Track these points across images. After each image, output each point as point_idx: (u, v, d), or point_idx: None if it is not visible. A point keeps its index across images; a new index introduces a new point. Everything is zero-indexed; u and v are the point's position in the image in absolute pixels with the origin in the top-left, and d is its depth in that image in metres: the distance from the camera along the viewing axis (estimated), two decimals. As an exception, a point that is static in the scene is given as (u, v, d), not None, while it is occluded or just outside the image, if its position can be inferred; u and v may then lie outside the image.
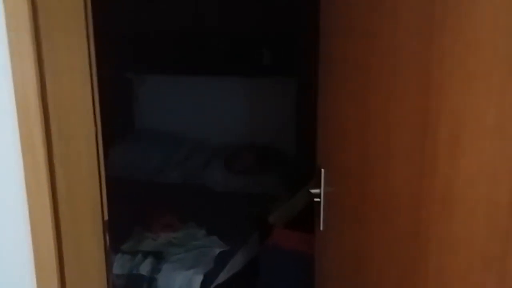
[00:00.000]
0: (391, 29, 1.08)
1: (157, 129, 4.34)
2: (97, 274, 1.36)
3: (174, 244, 2.94)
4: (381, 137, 1.15)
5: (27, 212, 1.25)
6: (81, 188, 1.31)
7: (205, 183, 3.86)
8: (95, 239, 1.36)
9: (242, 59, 3.99)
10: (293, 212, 2.82)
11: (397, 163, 1.09)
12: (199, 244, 2.94)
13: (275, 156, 3.95)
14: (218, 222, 3.16)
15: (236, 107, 4.13)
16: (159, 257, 2.81)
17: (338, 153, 1.44)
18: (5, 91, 1.22)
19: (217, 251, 2.88)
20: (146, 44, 4.15)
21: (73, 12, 1.25)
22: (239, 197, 3.58)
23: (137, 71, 4.33)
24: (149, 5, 4.07)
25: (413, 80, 1.01)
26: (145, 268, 2.75)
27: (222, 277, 2.82)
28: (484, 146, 0.86)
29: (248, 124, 4.08)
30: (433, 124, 0.95)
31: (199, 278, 2.67)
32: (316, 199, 1.54)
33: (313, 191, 1.54)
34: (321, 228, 1.55)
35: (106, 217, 1.38)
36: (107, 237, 1.38)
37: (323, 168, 1.51)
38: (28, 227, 1.25)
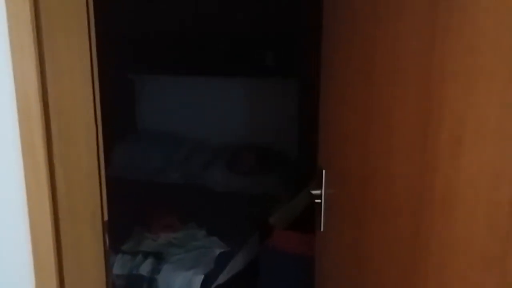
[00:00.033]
0: (394, 31, 1.08)
1: (159, 129, 4.34)
2: (96, 274, 1.36)
3: (174, 244, 2.94)
4: (382, 138, 1.15)
5: (26, 212, 1.24)
6: (81, 189, 1.31)
7: (206, 184, 3.86)
8: (94, 240, 1.35)
9: (243, 59, 4.00)
10: (293, 214, 2.82)
11: (398, 164, 1.09)
12: (199, 245, 2.94)
13: (276, 157, 3.96)
14: (219, 222, 3.16)
15: (238, 107, 4.13)
16: (159, 257, 2.80)
17: (339, 154, 1.44)
18: (6, 91, 1.22)
19: (217, 251, 2.87)
20: (148, 44, 4.16)
21: (75, 12, 1.25)
22: (240, 197, 3.59)
23: (139, 71, 4.34)
24: (151, 5, 4.08)
25: (415, 81, 1.01)
26: (145, 269, 2.75)
27: (222, 278, 2.82)
28: (485, 147, 0.85)
29: (249, 125, 4.09)
30: (434, 125, 0.95)
31: (199, 279, 2.67)
32: (317, 200, 1.54)
33: (314, 192, 1.54)
34: (322, 229, 1.55)
35: (106, 218, 1.37)
36: (107, 238, 1.38)
37: (324, 169, 1.51)
38: (28, 227, 1.25)
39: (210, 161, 4.01)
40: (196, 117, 4.25)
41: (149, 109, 4.46)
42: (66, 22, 1.24)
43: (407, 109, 1.04)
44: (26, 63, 1.17)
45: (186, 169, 4.03)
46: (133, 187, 3.72)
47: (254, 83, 4.02)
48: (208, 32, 4.06)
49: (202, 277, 2.67)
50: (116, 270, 2.76)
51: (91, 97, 1.29)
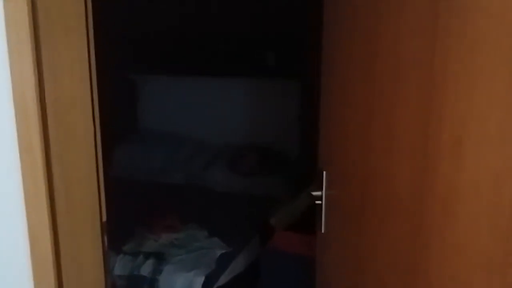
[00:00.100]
0: (395, 31, 1.07)
1: (160, 130, 4.34)
2: (95, 275, 1.35)
3: (175, 245, 2.94)
4: (383, 139, 1.15)
5: (24, 212, 1.24)
6: (79, 189, 1.31)
7: (207, 184, 3.86)
8: (93, 240, 1.35)
9: (244, 60, 3.99)
10: (294, 215, 2.82)
11: (399, 165, 1.09)
12: (201, 246, 2.93)
13: (277, 158, 3.95)
14: (220, 223, 3.15)
15: (239, 108, 4.12)
16: (160, 258, 2.80)
17: (339, 155, 1.44)
18: (3, 91, 1.21)
19: (219, 252, 2.87)
20: (149, 45, 4.16)
21: (73, 11, 1.24)
22: (241, 198, 3.58)
23: (140, 72, 4.34)
24: (152, 6, 4.08)
25: (416, 82, 1.00)
26: (146, 269, 2.74)
27: (223, 279, 2.81)
28: (487, 148, 0.85)
29: (251, 125, 4.08)
30: (435, 126, 0.94)
31: (200, 280, 2.67)
32: (317, 202, 1.53)
33: (314, 193, 1.54)
34: (323, 231, 1.55)
35: (104, 218, 1.37)
36: (105, 239, 1.37)
37: (325, 170, 1.50)
38: (26, 228, 1.24)
39: (211, 161, 4.01)
40: (197, 118, 4.25)
41: (151, 109, 4.45)
42: (64, 22, 1.23)
43: (407, 110, 1.04)
44: (23, 63, 1.16)
45: (187, 169, 4.03)
46: (134, 187, 3.71)
47: (255, 83, 4.01)
48: (209, 32, 4.06)
49: (203, 278, 2.67)
50: (117, 270, 2.76)
51: (89, 97, 1.28)
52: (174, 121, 4.32)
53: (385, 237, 1.17)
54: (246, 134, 4.07)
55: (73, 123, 1.27)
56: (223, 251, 2.88)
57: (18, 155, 1.22)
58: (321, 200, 1.52)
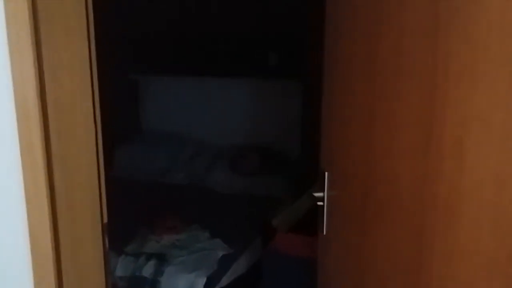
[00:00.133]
0: (396, 32, 1.07)
1: (162, 130, 4.35)
2: (95, 276, 1.35)
3: (177, 246, 2.93)
4: (385, 140, 1.14)
5: (25, 213, 1.24)
6: (80, 190, 1.30)
7: (209, 185, 3.85)
8: (94, 241, 1.34)
9: (246, 60, 3.99)
10: (296, 216, 2.81)
11: (401, 166, 1.08)
12: (202, 247, 2.93)
13: (279, 158, 3.94)
14: (222, 224, 3.15)
15: (241, 108, 4.12)
16: (162, 259, 2.79)
17: (341, 156, 1.43)
18: (4, 91, 1.21)
19: (220, 254, 2.86)
20: (152, 45, 4.16)
21: (74, 11, 1.24)
22: (243, 199, 3.58)
23: (143, 72, 4.34)
24: (155, 6, 4.08)
25: (418, 82, 1.00)
26: (148, 271, 2.74)
27: (225, 281, 2.80)
28: (489, 149, 0.84)
29: (253, 126, 4.08)
30: (438, 127, 0.94)
31: (201, 281, 2.66)
32: (319, 203, 1.53)
33: (316, 194, 1.53)
34: (324, 232, 1.54)
35: (105, 220, 1.36)
36: (106, 240, 1.37)
37: (327, 171, 1.50)
38: (26, 228, 1.24)
39: (213, 162, 4.00)
40: (199, 118, 4.25)
41: (152, 109, 4.46)
42: (64, 22, 1.23)
43: (409, 111, 1.04)
44: (24, 63, 1.16)
45: (189, 170, 4.03)
46: (136, 187, 3.72)
47: (258, 84, 4.01)
48: (211, 32, 4.06)
49: (204, 279, 2.66)
50: (119, 271, 2.75)
51: (90, 97, 1.28)
52: (176, 122, 4.32)
53: (387, 238, 1.16)
54: (248, 134, 4.07)
55: (74, 123, 1.27)
56: (225, 253, 2.88)
57: (19, 155, 1.22)
58: (323, 201, 1.52)
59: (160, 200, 3.53)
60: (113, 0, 3.41)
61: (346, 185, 1.40)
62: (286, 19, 3.72)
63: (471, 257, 0.90)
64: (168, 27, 4.13)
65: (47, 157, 1.20)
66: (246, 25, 3.90)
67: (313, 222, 1.67)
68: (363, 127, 1.26)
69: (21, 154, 1.20)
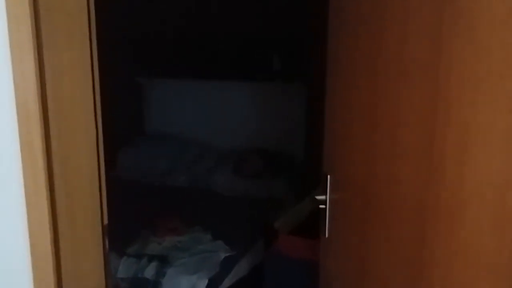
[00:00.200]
0: (400, 34, 1.07)
1: (166, 132, 4.35)
2: (95, 278, 1.34)
3: (179, 248, 2.93)
4: (387, 143, 1.14)
5: (25, 215, 1.23)
6: (81, 192, 1.30)
7: (212, 187, 3.86)
8: (94, 243, 1.34)
9: (250, 63, 3.99)
10: (299, 218, 2.81)
11: (404, 170, 1.08)
12: (204, 249, 2.92)
13: (282, 161, 3.94)
14: (224, 226, 3.14)
15: (245, 111, 4.12)
16: (164, 261, 2.79)
17: (344, 159, 1.43)
18: (5, 92, 1.21)
19: (222, 256, 2.86)
20: (157, 48, 4.17)
21: (75, 13, 1.24)
22: (246, 201, 3.57)
23: (147, 75, 4.35)
24: (160, 9, 4.09)
25: (421, 85, 1.00)
26: (150, 272, 2.74)
27: (227, 283, 2.80)
28: (492, 153, 0.84)
29: (257, 129, 4.08)
30: (440, 130, 0.94)
31: (203, 283, 2.66)
32: (321, 206, 1.52)
33: (318, 197, 1.53)
34: (326, 235, 1.54)
35: (106, 221, 1.36)
36: (107, 242, 1.36)
37: (329, 174, 1.50)
38: (26, 230, 1.24)
39: (216, 164, 4.01)
40: (203, 121, 4.26)
41: (157, 112, 4.47)
42: (66, 23, 1.23)
43: (412, 115, 1.03)
44: (25, 64, 1.16)
45: (192, 172, 4.03)
46: (139, 189, 3.73)
47: (261, 87, 4.01)
48: (216, 36, 4.06)
49: (206, 281, 2.66)
50: (121, 273, 2.75)
51: (92, 99, 1.28)
52: (179, 124, 4.33)
53: (388, 241, 1.16)
54: (251, 137, 4.07)
55: (75, 125, 1.27)
56: (227, 254, 2.87)
57: (19, 156, 1.22)
58: (325, 204, 1.51)
59: (163, 202, 3.53)
60: (117, 3, 3.41)
61: (348, 188, 1.39)
62: (291, 22, 3.71)
63: (473, 260, 0.90)
64: (172, 31, 4.14)
65: (47, 159, 1.20)
66: (250, 28, 3.90)
67: (315, 224, 1.67)
68: (366, 130, 1.25)
69: (22, 155, 1.20)
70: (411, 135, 1.04)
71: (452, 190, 0.93)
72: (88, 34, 1.26)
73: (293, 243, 2.66)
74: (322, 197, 1.52)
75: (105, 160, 1.37)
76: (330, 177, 1.50)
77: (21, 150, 1.20)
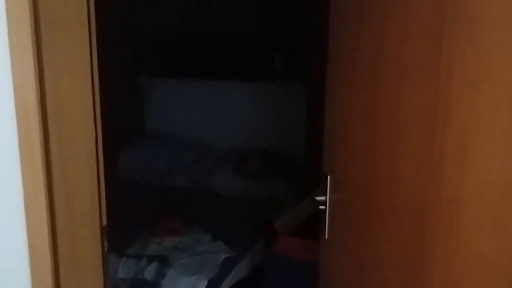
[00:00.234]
0: (400, 35, 1.07)
1: (167, 132, 4.35)
2: (94, 280, 1.34)
3: (178, 249, 2.92)
4: (387, 144, 1.14)
5: (24, 216, 1.23)
6: (79, 193, 1.29)
7: (213, 187, 3.85)
8: (92, 244, 1.33)
9: (251, 64, 3.99)
10: (299, 219, 2.80)
11: (404, 170, 1.08)
12: (204, 250, 2.92)
13: (283, 161, 3.94)
14: (224, 227, 3.14)
15: (245, 111, 4.12)
16: (164, 261, 2.79)
17: (344, 160, 1.43)
18: (4, 93, 1.21)
19: (222, 256, 2.85)
20: (157, 48, 4.17)
21: (75, 14, 1.24)
22: (246, 202, 3.57)
23: (147, 75, 4.35)
24: (161, 9, 4.08)
25: (422, 86, 1.00)
26: (149, 273, 2.73)
27: (226, 284, 2.80)
28: (493, 155, 0.84)
29: (257, 129, 4.08)
30: (440, 131, 0.94)
31: (203, 284, 2.65)
32: (321, 207, 1.52)
33: (318, 198, 1.52)
34: (326, 236, 1.53)
35: (104, 222, 1.35)
36: (105, 243, 1.36)
37: (329, 175, 1.49)
38: (25, 231, 1.23)
39: (216, 164, 4.00)
40: (203, 121, 4.25)
41: (157, 112, 4.47)
42: (66, 24, 1.23)
43: (412, 115, 1.03)
44: (25, 65, 1.15)
45: (192, 172, 4.03)
46: (139, 189, 3.72)
47: (261, 87, 4.01)
48: (216, 36, 4.06)
49: (206, 282, 2.65)
50: (121, 274, 2.75)
51: (91, 100, 1.27)
52: (179, 124, 4.33)
53: (388, 242, 1.16)
54: (251, 137, 4.07)
55: (74, 125, 1.26)
56: (227, 255, 2.87)
57: (18, 157, 1.21)
58: (325, 205, 1.51)
59: (163, 202, 3.53)
60: (118, 3, 3.41)
61: (348, 189, 1.39)
62: (292, 23, 3.71)
63: (473, 260, 0.90)
64: (173, 31, 4.14)
65: (46, 159, 1.19)
66: (250, 28, 3.90)
67: (315, 225, 1.66)
68: (366, 130, 1.25)
69: (21, 156, 1.20)
70: (411, 135, 1.04)
71: (452, 190, 0.92)
72: (88, 34, 1.25)
73: (293, 243, 2.66)
74: (322, 198, 1.52)
75: (105, 160, 1.37)
76: (330, 177, 1.49)
77: (20, 151, 1.20)
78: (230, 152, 4.07)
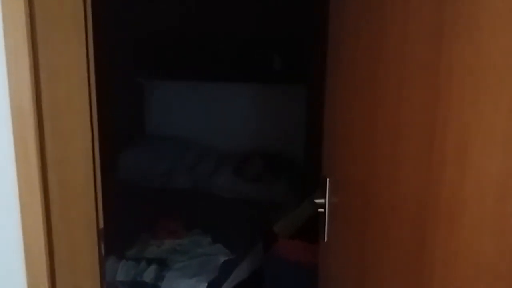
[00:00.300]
0: (400, 35, 1.06)
1: (167, 134, 4.35)
2: (90, 283, 1.33)
3: (178, 251, 2.92)
4: (387, 145, 1.13)
5: (19, 218, 1.22)
6: (75, 195, 1.28)
7: (213, 189, 3.85)
8: (89, 248, 1.32)
9: (251, 65, 3.99)
10: (298, 222, 2.79)
11: (403, 172, 1.07)
12: (204, 252, 2.91)
13: (283, 163, 3.94)
14: (224, 229, 3.13)
15: (246, 113, 4.12)
16: (163, 264, 2.78)
17: (343, 161, 1.42)
18: (0, 96, 1.20)
19: (222, 259, 2.85)
20: (157, 49, 4.17)
21: (71, 15, 1.23)
22: (246, 204, 3.56)
23: (148, 76, 4.35)
24: (162, 11, 4.09)
25: (421, 86, 0.99)
26: (148, 276, 2.72)
27: (226, 286, 2.79)
28: (493, 155, 0.83)
29: (258, 131, 4.08)
30: (440, 132, 0.93)
31: (202, 287, 2.64)
32: (320, 210, 1.51)
33: (317, 201, 1.52)
34: (325, 239, 1.52)
35: (101, 225, 1.34)
36: (102, 246, 1.35)
37: (328, 177, 1.48)
38: (20, 234, 1.23)
39: (217, 166, 4.00)
40: (204, 122, 4.25)
41: (158, 114, 4.47)
42: (62, 26, 1.22)
43: (412, 116, 1.03)
44: (20, 67, 1.15)
45: (193, 174, 4.03)
46: (139, 191, 3.72)
47: (262, 88, 4.01)
48: (217, 38, 4.06)
49: (205, 285, 2.64)
50: (120, 276, 2.74)
51: (87, 101, 1.26)
52: (180, 126, 4.33)
53: (388, 245, 1.15)
54: (252, 139, 4.07)
55: (70, 127, 1.25)
56: (226, 258, 2.86)
57: (13, 159, 1.20)
58: (324, 208, 1.50)
59: (163, 204, 3.52)
60: (118, 4, 3.41)
61: (348, 191, 1.38)
62: (292, 24, 3.71)
63: (473, 261, 0.90)
64: (173, 31, 4.14)
65: (41, 161, 1.18)
66: (250, 29, 3.91)
67: (315, 228, 1.66)
68: (365, 132, 1.25)
69: (16, 158, 1.19)
70: (411, 137, 1.03)
71: (452, 193, 0.92)
72: (84, 35, 1.25)
73: (293, 246, 2.65)
74: (321, 201, 1.51)
75: (105, 162, 1.36)
76: (329, 180, 1.49)
77: (16, 152, 1.19)
78: (231, 154, 4.07)
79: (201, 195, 3.78)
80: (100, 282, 1.34)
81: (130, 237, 2.97)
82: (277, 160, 3.94)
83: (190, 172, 4.04)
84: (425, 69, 0.97)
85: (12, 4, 1.13)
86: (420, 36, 0.99)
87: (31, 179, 1.18)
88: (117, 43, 3.60)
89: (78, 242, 1.30)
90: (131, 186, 3.77)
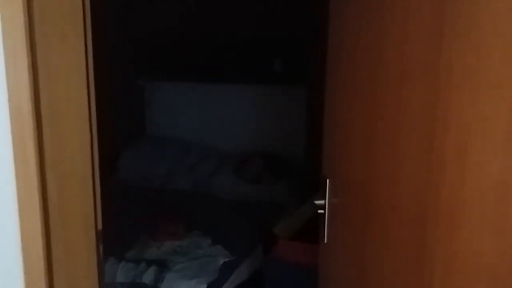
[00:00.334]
0: (400, 35, 1.06)
1: (168, 135, 4.35)
2: (88, 284, 1.32)
3: (178, 252, 2.91)
4: (387, 146, 1.13)
5: (17, 220, 1.22)
6: (74, 197, 1.28)
7: (213, 190, 3.85)
8: (87, 249, 1.32)
9: (252, 66, 3.99)
10: (298, 224, 2.79)
11: (403, 173, 1.07)
12: (204, 253, 2.90)
13: (284, 164, 3.93)
14: (224, 231, 3.13)
15: (246, 114, 4.13)
16: (162, 265, 2.77)
17: (343, 163, 1.42)
18: (-2, 96, 1.20)
19: (222, 261, 2.84)
20: (158, 50, 4.17)
21: (70, 15, 1.23)
22: (246, 205, 3.56)
23: (149, 78, 4.35)
24: (164, 13, 4.09)
25: (421, 87, 0.99)
26: (148, 277, 2.72)
27: (226, 288, 2.78)
28: (493, 156, 0.82)
29: (258, 131, 4.08)
30: (440, 133, 0.93)
31: (202, 288, 2.64)
32: (320, 211, 1.51)
33: (317, 202, 1.51)
34: (325, 241, 1.52)
35: (100, 227, 1.34)
36: (101, 247, 1.34)
37: (328, 178, 1.48)
38: (18, 235, 1.22)
39: (217, 168, 4.00)
40: (204, 124, 4.26)
41: (159, 115, 4.47)
42: (61, 27, 1.22)
43: (412, 117, 1.03)
44: (19, 68, 1.14)
45: (193, 175, 4.02)
46: (140, 192, 3.71)
47: (262, 89, 4.01)
48: (217, 39, 4.06)
49: (205, 286, 2.64)
50: (120, 278, 2.73)
51: (86, 103, 1.26)
52: (180, 127, 4.33)
53: (388, 246, 1.15)
54: (252, 140, 4.07)
55: (68, 129, 1.25)
56: (226, 259, 2.86)
57: (12, 161, 1.20)
58: (324, 209, 1.50)
59: (163, 206, 3.52)
60: (118, 5, 3.41)
61: (348, 192, 1.38)
62: (292, 25, 3.72)
63: (473, 261, 0.89)
64: (173, 32, 4.14)
65: (40, 163, 1.18)
66: (250, 29, 3.91)
67: (315, 229, 1.65)
68: (365, 133, 1.24)
69: (15, 159, 1.19)
70: (411, 138, 1.03)
71: (452, 193, 0.91)
72: (83, 36, 1.24)
73: (293, 248, 2.65)
74: (321, 202, 1.51)
75: (105, 163, 1.36)
76: (329, 181, 1.48)
77: (14, 154, 1.19)
78: (231, 155, 4.06)
79: (201, 196, 3.78)
80: (98, 283, 1.33)
81: (130, 238, 2.96)
82: (277, 161, 3.93)
83: (190, 173, 4.03)
84: (425, 69, 0.97)
85: (10, 5, 1.13)
86: (420, 36, 0.98)
87: (29, 180, 1.17)
88: (117, 44, 3.60)
89: (77, 244, 1.30)
90: (131, 187, 3.77)
